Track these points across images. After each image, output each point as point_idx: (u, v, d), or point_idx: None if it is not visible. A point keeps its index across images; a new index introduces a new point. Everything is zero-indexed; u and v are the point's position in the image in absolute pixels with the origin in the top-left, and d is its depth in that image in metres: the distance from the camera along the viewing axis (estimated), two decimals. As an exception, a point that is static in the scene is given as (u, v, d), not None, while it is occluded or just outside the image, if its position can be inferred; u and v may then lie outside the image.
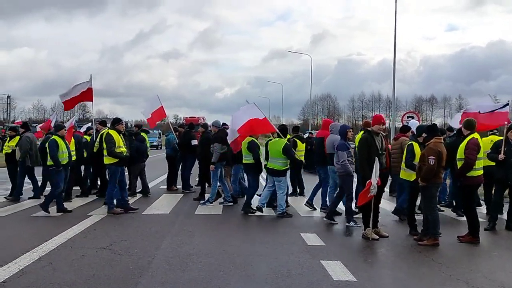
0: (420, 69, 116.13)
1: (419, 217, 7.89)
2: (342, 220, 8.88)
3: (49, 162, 9.64)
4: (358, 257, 6.60)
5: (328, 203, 9.77)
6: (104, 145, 9.62)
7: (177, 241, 7.21)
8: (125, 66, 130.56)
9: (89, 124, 13.26)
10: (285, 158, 9.47)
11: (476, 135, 7.55)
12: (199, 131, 12.27)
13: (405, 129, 9.98)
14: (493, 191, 9.27)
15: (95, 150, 11.40)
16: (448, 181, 10.75)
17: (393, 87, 28.77)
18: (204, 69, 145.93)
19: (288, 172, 10.58)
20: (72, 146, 10.70)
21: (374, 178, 7.21)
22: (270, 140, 9.92)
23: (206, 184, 11.76)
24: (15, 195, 11.32)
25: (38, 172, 11.71)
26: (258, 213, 9.65)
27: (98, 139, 11.40)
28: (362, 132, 8.30)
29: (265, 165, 9.93)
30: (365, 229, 7.66)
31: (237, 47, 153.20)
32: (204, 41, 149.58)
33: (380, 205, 8.03)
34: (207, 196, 11.09)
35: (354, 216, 8.65)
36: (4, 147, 12.83)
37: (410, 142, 8.19)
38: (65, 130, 10.13)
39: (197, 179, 13.07)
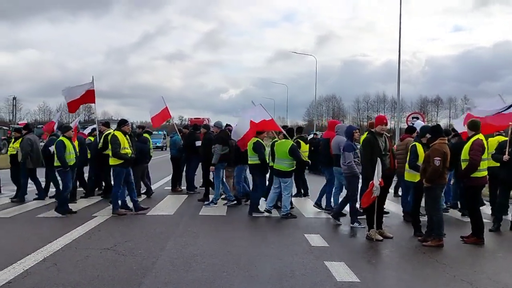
0: (425, 70, 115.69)
1: (423, 218, 7.88)
2: (346, 221, 8.87)
3: (56, 163, 9.72)
4: (362, 258, 6.59)
5: (332, 204, 9.77)
6: (109, 146, 9.69)
7: (181, 242, 7.22)
8: (130, 67, 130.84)
9: (94, 126, 13.32)
10: (292, 159, 9.47)
11: (480, 136, 7.52)
12: (201, 132, 12.29)
13: (411, 129, 9.96)
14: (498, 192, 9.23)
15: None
16: (452, 181, 10.71)
17: (398, 88, 28.72)
18: (208, 70, 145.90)
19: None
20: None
21: (376, 179, 7.20)
22: (276, 141, 9.93)
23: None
24: (20, 197, 11.38)
25: (40, 173, 11.78)
26: (257, 214, 9.68)
27: (102, 140, 11.47)
28: (366, 133, 8.30)
29: (271, 166, 9.95)
30: (369, 230, 7.66)
31: (242, 48, 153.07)
32: (208, 42, 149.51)
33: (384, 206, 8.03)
34: (211, 197, 11.10)
35: (358, 217, 8.64)
36: (9, 148, 12.92)
37: (413, 143, 8.17)
38: (72, 131, 10.24)
39: (202, 180, 13.09)
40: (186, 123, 45.42)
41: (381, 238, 7.50)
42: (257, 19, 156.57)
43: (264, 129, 10.27)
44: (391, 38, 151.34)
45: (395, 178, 9.39)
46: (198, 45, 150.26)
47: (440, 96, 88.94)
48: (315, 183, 12.51)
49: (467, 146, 7.47)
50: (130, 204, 9.95)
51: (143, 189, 12.48)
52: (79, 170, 11.58)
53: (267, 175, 10.68)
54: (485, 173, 7.58)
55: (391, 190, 10.74)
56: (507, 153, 8.53)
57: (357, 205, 8.77)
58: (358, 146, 9.21)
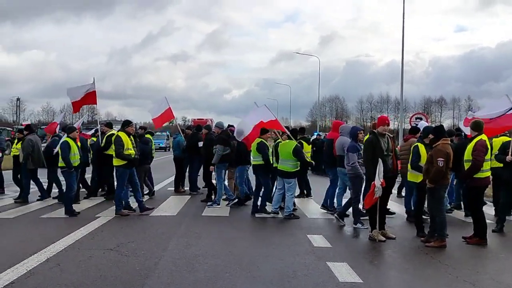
0: (429, 70, 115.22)
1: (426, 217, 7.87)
2: (349, 222, 8.86)
3: (61, 163, 9.78)
4: (364, 259, 6.59)
5: (335, 205, 9.76)
6: (113, 147, 9.72)
7: (183, 243, 7.23)
8: (133, 68, 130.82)
9: (98, 127, 13.37)
10: (295, 160, 9.46)
11: (483, 137, 7.50)
12: (203, 133, 12.30)
13: (414, 130, 9.95)
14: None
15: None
16: (455, 181, 10.68)
17: (401, 89, 28.67)
18: (212, 71, 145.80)
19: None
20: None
21: (378, 180, 7.19)
22: (280, 142, 9.92)
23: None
24: (23, 197, 11.41)
25: (41, 174, 11.82)
26: (264, 215, 9.69)
27: (104, 141, 11.50)
28: (369, 134, 8.30)
29: (275, 167, 9.95)
30: (371, 230, 7.65)
31: (245, 48, 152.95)
32: (212, 43, 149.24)
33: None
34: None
35: (361, 218, 8.63)
36: (12, 149, 12.97)
37: (416, 144, 8.16)
38: (77, 132, 10.30)
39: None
40: (190, 124, 45.54)
41: (383, 238, 7.49)
42: (260, 20, 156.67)
43: (271, 128, 10.28)
44: (394, 38, 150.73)
45: (398, 179, 9.37)
46: (202, 45, 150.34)
47: (444, 97, 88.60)
48: (318, 184, 12.52)
49: (470, 147, 7.44)
50: (134, 205, 9.97)
51: (146, 190, 12.49)
52: (81, 170, 11.61)
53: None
54: (488, 173, 7.56)
55: (395, 191, 10.73)
56: (510, 153, 8.52)
57: (360, 206, 8.78)
58: (362, 147, 9.22)
